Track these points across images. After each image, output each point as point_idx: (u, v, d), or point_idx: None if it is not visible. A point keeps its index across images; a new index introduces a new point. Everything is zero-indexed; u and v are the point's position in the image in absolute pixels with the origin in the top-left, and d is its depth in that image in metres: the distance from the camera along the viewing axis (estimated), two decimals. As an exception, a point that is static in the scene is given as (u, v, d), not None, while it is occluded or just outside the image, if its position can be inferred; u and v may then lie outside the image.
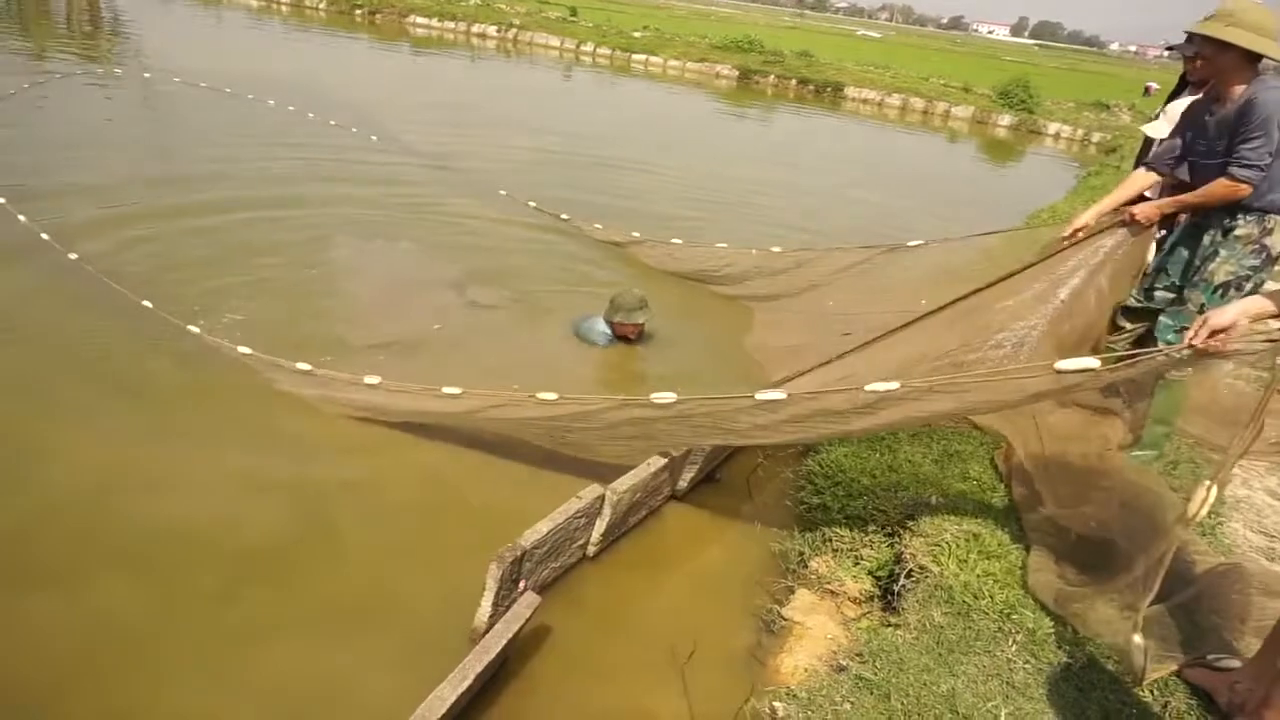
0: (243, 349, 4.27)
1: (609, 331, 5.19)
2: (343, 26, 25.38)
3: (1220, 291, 3.27)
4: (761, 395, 2.91)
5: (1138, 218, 3.54)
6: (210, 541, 3.14)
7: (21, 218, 5.48)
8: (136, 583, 2.91)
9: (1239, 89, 3.14)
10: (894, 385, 2.66)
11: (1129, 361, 2.47)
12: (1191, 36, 3.60)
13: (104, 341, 4.43)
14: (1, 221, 5.51)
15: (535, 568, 2.91)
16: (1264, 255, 3.23)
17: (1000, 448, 3.82)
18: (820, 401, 2.91)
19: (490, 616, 2.72)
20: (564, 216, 7.52)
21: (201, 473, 3.55)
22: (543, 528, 2.89)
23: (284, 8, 28.38)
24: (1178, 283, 3.48)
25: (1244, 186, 3.13)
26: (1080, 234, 3.70)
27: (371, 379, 3.94)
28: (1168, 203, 3.51)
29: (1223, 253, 3.28)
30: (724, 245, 6.44)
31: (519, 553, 2.74)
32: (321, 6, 28.42)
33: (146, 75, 11.63)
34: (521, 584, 2.83)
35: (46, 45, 13.63)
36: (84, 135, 8.13)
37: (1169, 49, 4.49)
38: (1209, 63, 3.23)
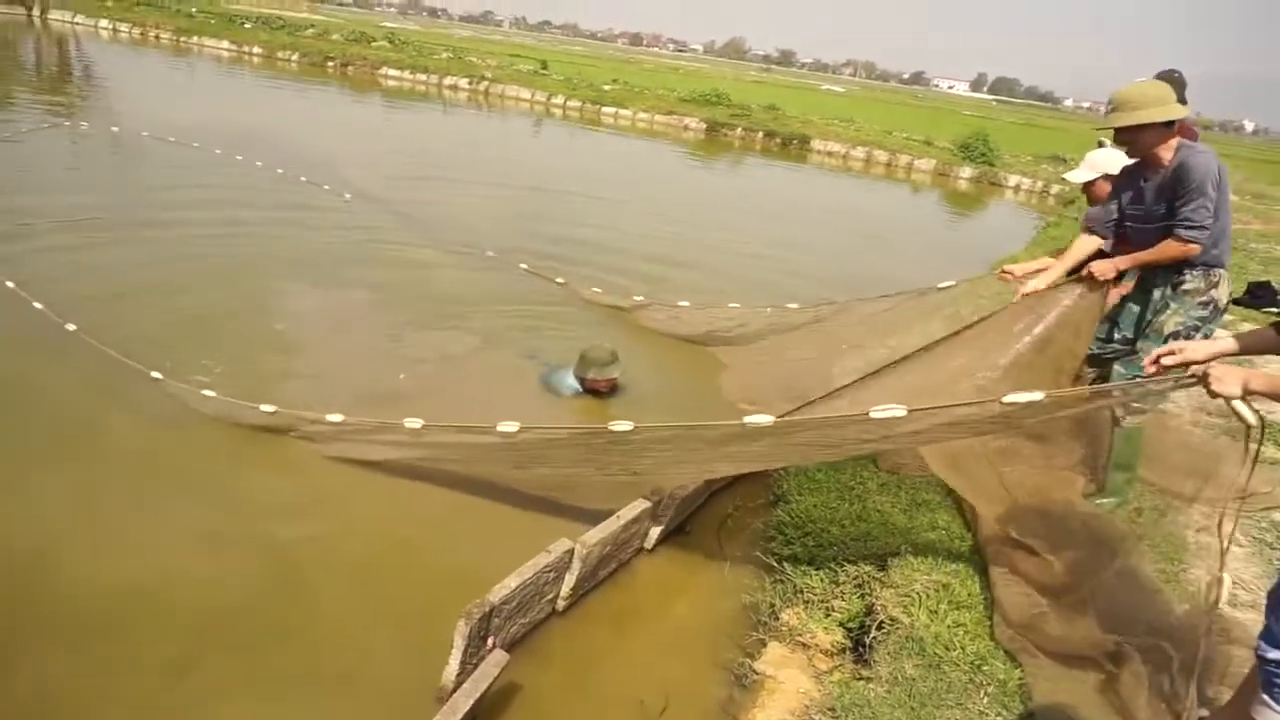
0: (207, 392, 4.24)
1: (577, 386, 5.17)
2: (315, 77, 25.57)
3: (1171, 340, 3.38)
4: (749, 420, 2.93)
5: (1095, 274, 3.66)
6: (161, 605, 3.03)
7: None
8: (78, 652, 2.79)
9: (1167, 155, 3.33)
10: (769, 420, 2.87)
11: (1073, 393, 2.56)
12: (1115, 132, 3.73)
13: (48, 388, 4.36)
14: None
15: (504, 624, 2.86)
16: (1211, 306, 3.40)
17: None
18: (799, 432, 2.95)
19: (458, 675, 2.67)
20: (559, 280, 7.30)
21: (151, 531, 3.44)
22: (511, 583, 2.85)
23: (255, 58, 28.59)
24: (1130, 335, 3.62)
25: (1193, 246, 3.31)
26: (1033, 294, 3.82)
27: (334, 416, 3.95)
28: (1123, 261, 3.64)
29: (1173, 305, 3.44)
30: (736, 305, 6.26)
31: (487, 609, 2.70)
32: (294, 58, 28.66)
33: (115, 129, 11.51)
34: (490, 641, 2.78)
35: (14, 93, 13.58)
36: (45, 198, 8.00)
37: (1100, 145, 4.59)
38: (1133, 146, 3.42)
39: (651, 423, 3.20)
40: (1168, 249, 3.38)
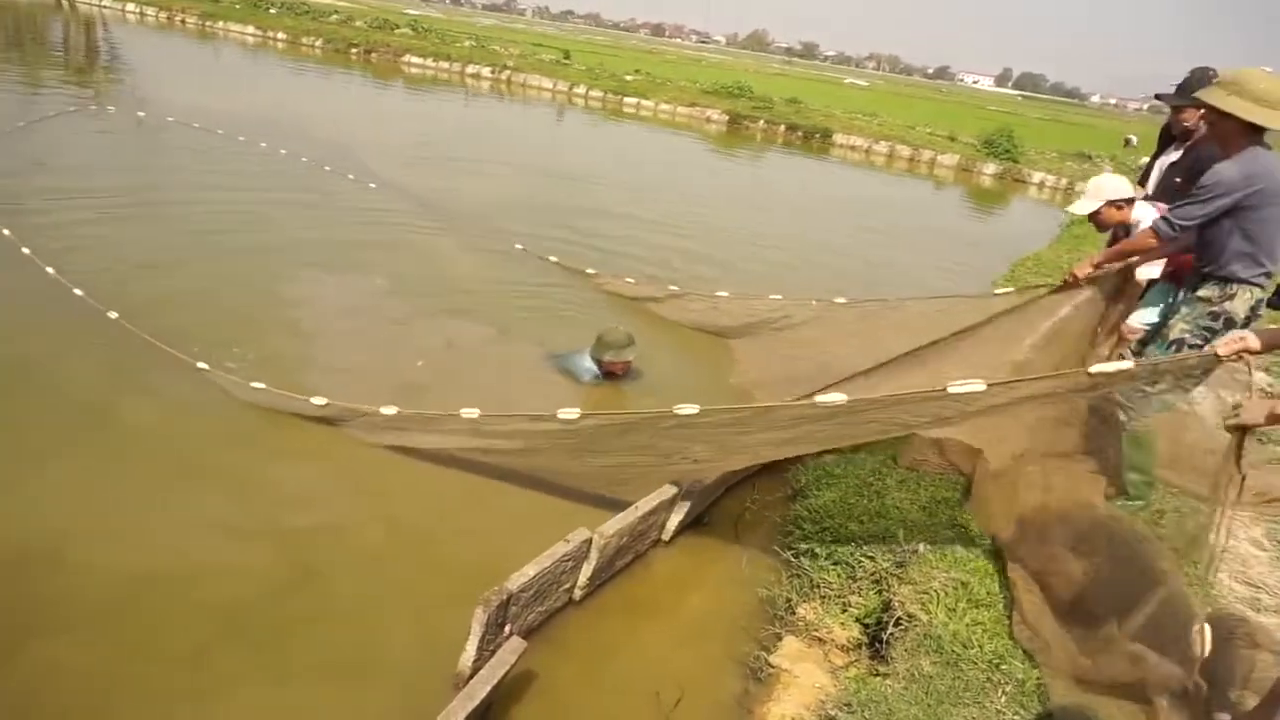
0: (256, 384, 4.27)
1: (594, 368, 5.21)
2: (338, 64, 25.67)
3: (1174, 347, 3.38)
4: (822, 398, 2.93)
5: (1077, 275, 3.69)
6: (178, 593, 3.04)
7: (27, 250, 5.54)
8: (94, 643, 2.79)
9: (1233, 155, 3.21)
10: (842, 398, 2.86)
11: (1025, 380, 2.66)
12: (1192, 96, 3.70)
13: (76, 377, 4.40)
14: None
15: (521, 612, 2.88)
16: (1222, 319, 3.31)
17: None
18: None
19: (475, 662, 2.68)
20: (590, 271, 7.20)
21: (168, 519, 3.45)
22: (529, 571, 2.86)
23: (280, 44, 28.73)
24: (1145, 339, 3.61)
25: (1154, 239, 3.33)
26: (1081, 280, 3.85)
27: (388, 409, 3.93)
28: (1100, 257, 3.64)
29: (1183, 310, 3.42)
30: (777, 297, 5.99)
31: (505, 596, 2.71)
32: (318, 44, 28.79)
33: (140, 115, 11.56)
34: (507, 628, 2.79)
35: (43, 77, 13.70)
36: (72, 178, 8.04)
37: (1157, 98, 4.63)
38: (1213, 126, 3.30)
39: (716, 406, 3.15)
40: (1136, 240, 3.46)
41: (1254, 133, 3.14)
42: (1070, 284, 3.90)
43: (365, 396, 4.18)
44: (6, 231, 5.93)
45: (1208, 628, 2.12)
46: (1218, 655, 2.58)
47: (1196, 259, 3.37)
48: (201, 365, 4.47)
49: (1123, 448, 3.64)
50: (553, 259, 7.50)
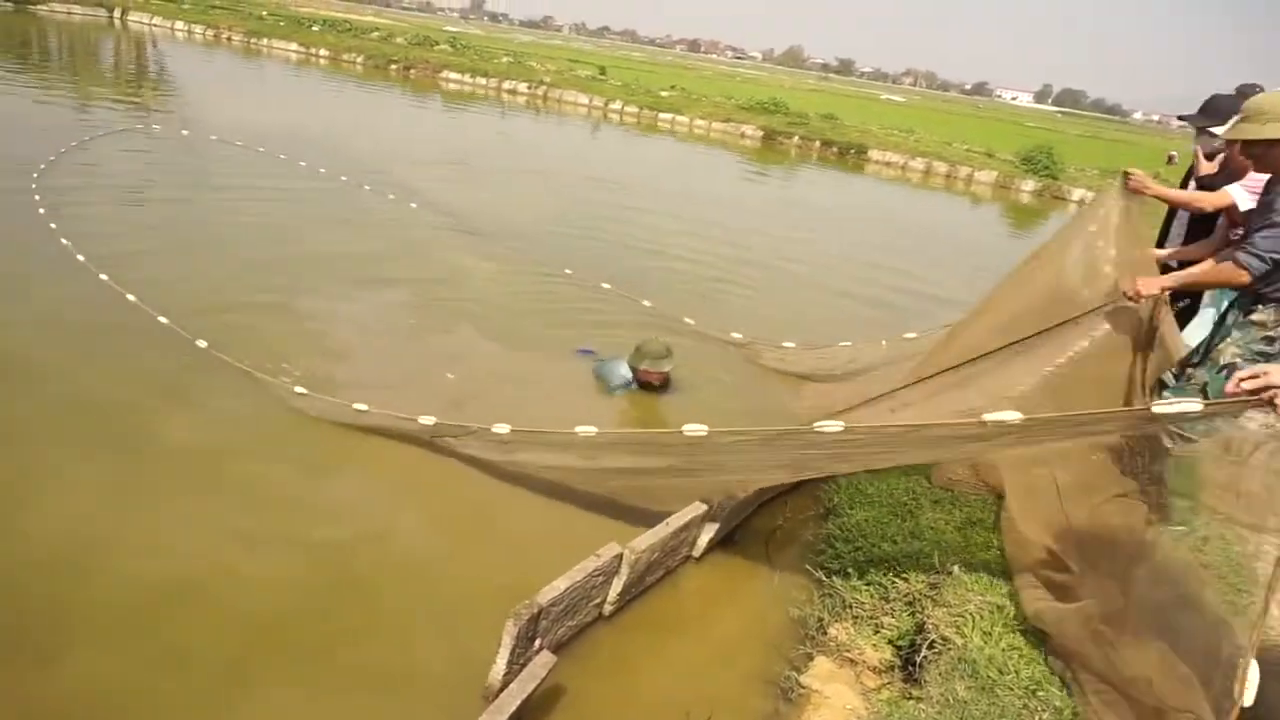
0: (359, 406, 4.33)
1: (629, 376, 5.27)
2: (378, 80, 26.15)
3: (1225, 372, 3.27)
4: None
5: (1140, 289, 3.59)
6: (209, 604, 3.06)
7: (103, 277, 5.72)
8: (127, 653, 2.80)
9: None
10: (840, 426, 2.80)
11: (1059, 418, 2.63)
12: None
13: (117, 383, 4.50)
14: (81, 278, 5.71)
15: (551, 626, 2.88)
16: (1278, 344, 3.23)
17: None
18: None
19: (505, 675, 2.69)
20: (646, 303, 7.07)
21: (199, 529, 3.47)
22: (560, 585, 2.87)
23: (322, 60, 29.33)
24: (1195, 360, 3.49)
25: (1244, 273, 3.17)
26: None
27: (500, 427, 3.94)
28: (1170, 280, 3.55)
29: (1235, 334, 3.32)
30: (847, 344, 5.83)
31: (536, 610, 2.72)
32: (359, 61, 29.34)
33: (184, 133, 11.80)
34: (537, 642, 2.80)
35: (92, 94, 14.10)
36: (116, 196, 8.24)
37: (1180, 119, 4.57)
38: (1261, 160, 3.23)
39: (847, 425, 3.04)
40: (1222, 271, 3.28)
41: None
42: (1132, 299, 3.77)
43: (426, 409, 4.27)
44: (65, 241, 6.17)
45: (1255, 667, 2.04)
46: (1265, 689, 2.51)
47: (1249, 282, 3.28)
48: (300, 390, 4.50)
49: (1167, 472, 3.56)
50: (605, 285, 7.43)
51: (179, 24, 31.44)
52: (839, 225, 13.91)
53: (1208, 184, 4.31)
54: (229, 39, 30.99)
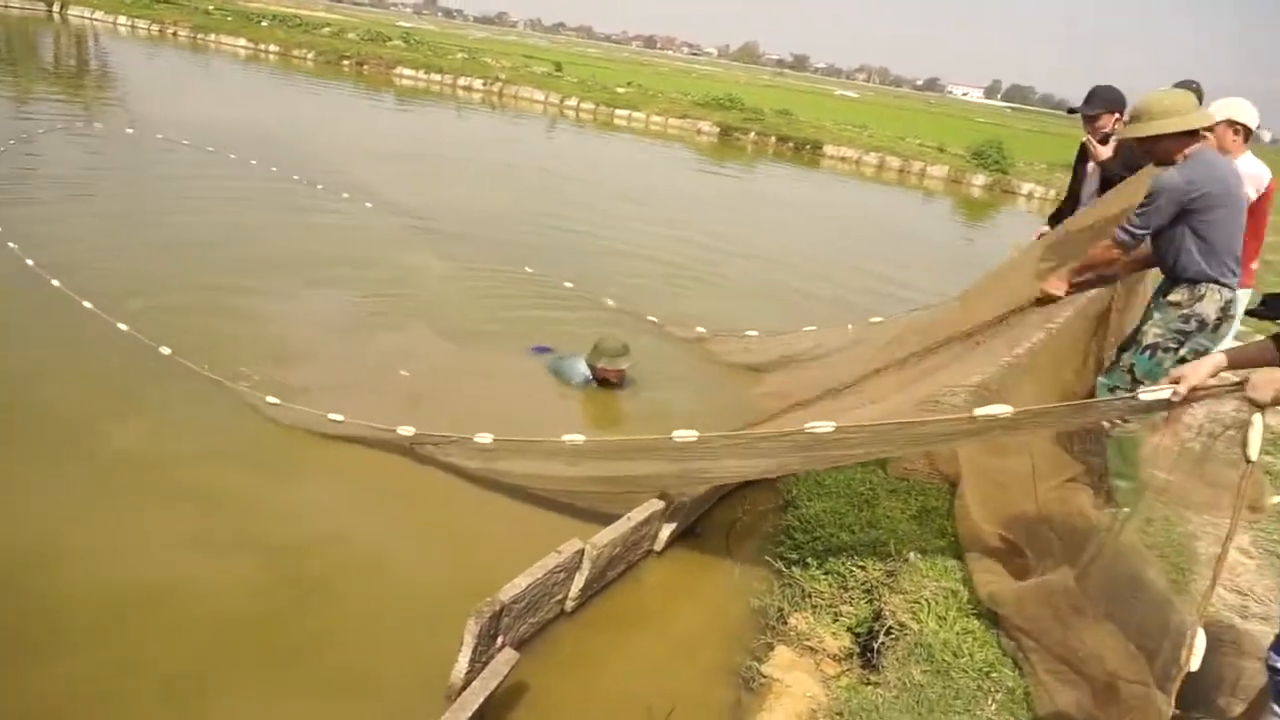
0: (334, 416, 4.24)
1: (588, 374, 5.30)
2: (330, 76, 25.73)
3: (1148, 352, 3.44)
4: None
5: (1049, 290, 3.74)
6: (173, 611, 3.01)
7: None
8: (89, 661, 2.74)
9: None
10: (831, 426, 2.88)
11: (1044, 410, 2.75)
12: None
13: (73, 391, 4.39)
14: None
15: (513, 623, 2.88)
16: (1194, 321, 3.39)
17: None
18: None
19: (467, 673, 2.68)
20: (609, 302, 7.03)
21: (154, 536, 3.40)
22: (521, 582, 2.86)
23: (272, 56, 28.79)
24: (1125, 345, 3.64)
25: (1116, 249, 3.41)
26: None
27: (483, 437, 3.90)
28: (1068, 270, 3.70)
29: (1156, 315, 3.48)
30: (811, 329, 5.86)
31: (498, 607, 2.71)
32: (310, 56, 28.86)
33: (129, 131, 11.45)
34: (499, 640, 2.80)
35: (31, 91, 13.68)
36: (59, 195, 7.98)
37: (1070, 111, 4.84)
38: (1152, 155, 3.45)
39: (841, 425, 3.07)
40: (1097, 251, 3.52)
41: (1188, 139, 3.28)
42: (1046, 300, 3.92)
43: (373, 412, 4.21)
44: (12, 245, 6.00)
45: (1201, 635, 2.11)
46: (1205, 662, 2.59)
47: (1162, 265, 3.45)
48: (272, 400, 4.41)
49: (1108, 454, 3.67)
50: (567, 284, 7.40)
51: (122, 19, 30.59)
52: (798, 219, 14.04)
53: (1111, 171, 4.49)
54: (174, 34, 30.24)
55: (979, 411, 2.64)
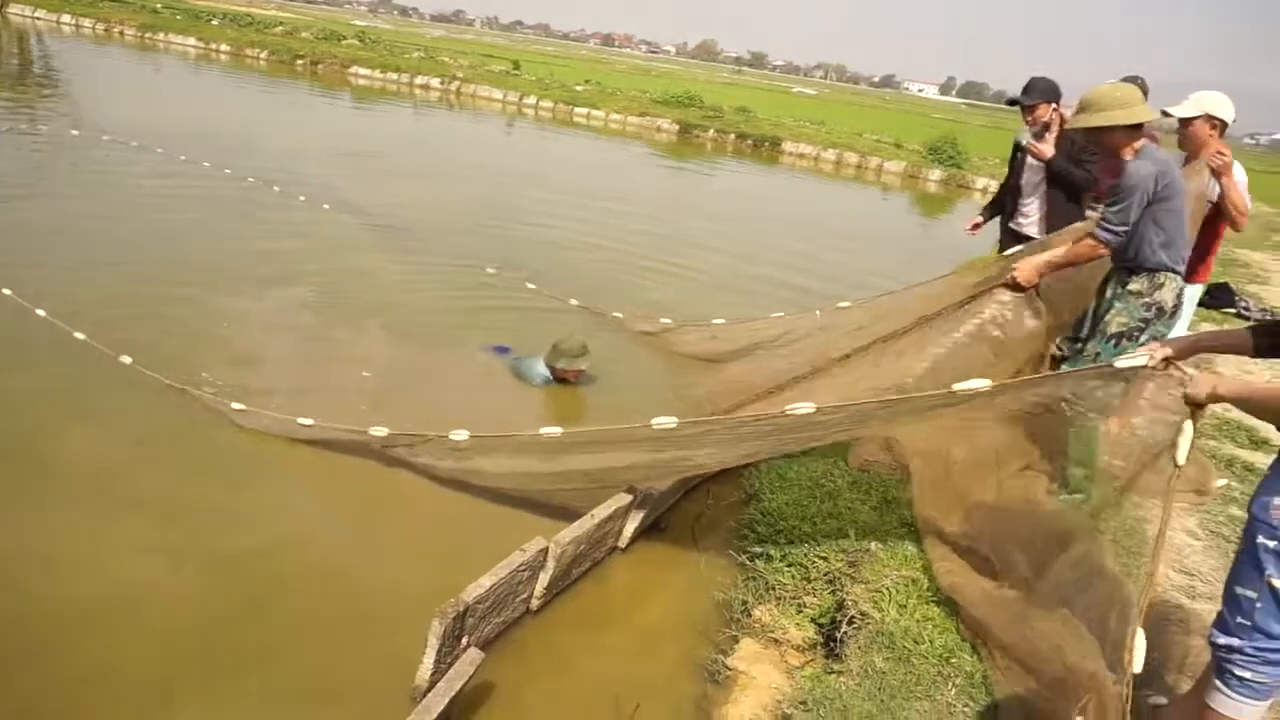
0: (304, 420, 4.17)
1: (548, 374, 5.35)
2: (284, 76, 25.33)
3: (1114, 341, 3.51)
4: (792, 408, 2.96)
5: (1019, 279, 3.81)
6: (132, 622, 2.96)
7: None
8: (46, 674, 2.68)
9: (1129, 156, 3.41)
10: (812, 408, 2.88)
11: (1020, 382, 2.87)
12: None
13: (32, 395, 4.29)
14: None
15: (478, 623, 2.87)
16: (1154, 308, 3.49)
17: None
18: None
19: (432, 675, 2.67)
20: (573, 301, 6.98)
21: (118, 548, 3.33)
22: (485, 582, 2.86)
23: (223, 56, 28.25)
24: (1083, 335, 3.71)
25: (1102, 248, 3.46)
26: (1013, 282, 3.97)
27: (459, 434, 3.84)
28: (1044, 264, 3.78)
29: (1118, 305, 3.56)
30: (779, 315, 5.78)
31: (461, 608, 2.71)
32: (263, 56, 28.37)
33: (75, 133, 11.08)
34: (464, 640, 2.79)
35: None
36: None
37: (1009, 102, 4.98)
38: (1099, 146, 3.56)
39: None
40: (1081, 250, 3.55)
41: (1135, 133, 3.36)
42: (1012, 286, 4.00)
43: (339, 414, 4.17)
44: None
45: (1141, 635, 2.18)
46: (1156, 642, 2.67)
47: (1119, 255, 3.52)
48: (238, 406, 4.32)
49: (1068, 442, 3.75)
50: (530, 285, 7.34)
51: (65, 17, 29.82)
52: (760, 213, 14.13)
53: (1057, 166, 4.62)
54: (121, 34, 29.54)
55: (958, 386, 2.68)
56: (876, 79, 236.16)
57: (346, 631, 3.10)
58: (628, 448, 3.66)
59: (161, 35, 29.54)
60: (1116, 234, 3.40)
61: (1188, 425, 2.24)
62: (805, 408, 2.92)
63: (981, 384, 2.68)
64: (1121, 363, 2.53)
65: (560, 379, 5.34)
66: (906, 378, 4.08)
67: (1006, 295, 4.07)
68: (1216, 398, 2.19)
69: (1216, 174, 4.05)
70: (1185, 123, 4.20)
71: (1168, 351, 2.38)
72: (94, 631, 2.90)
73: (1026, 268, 3.87)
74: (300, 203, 9.22)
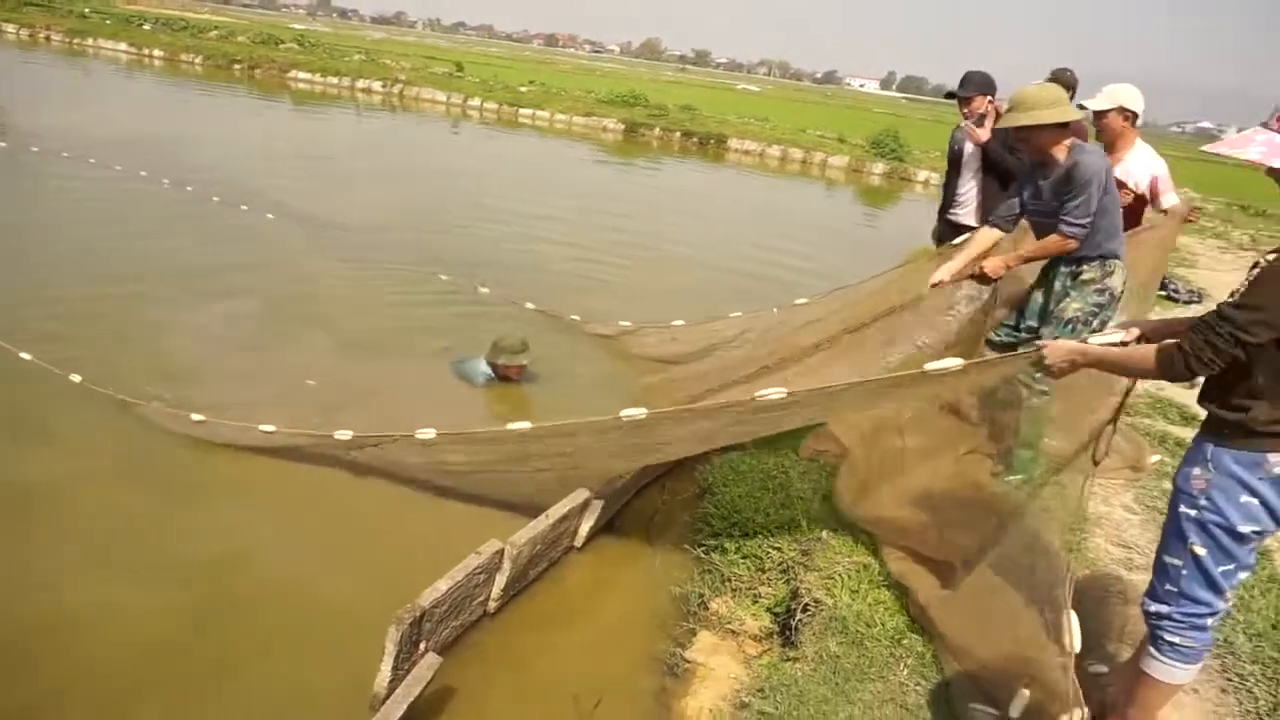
0: (196, 416, 4.13)
1: (490, 372, 5.37)
2: (221, 81, 24.76)
3: (1070, 326, 3.61)
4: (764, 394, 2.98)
5: (987, 272, 3.90)
6: (88, 640, 2.91)
7: None
8: (2, 696, 2.64)
9: (1061, 154, 3.53)
10: (783, 392, 2.91)
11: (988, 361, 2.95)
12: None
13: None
14: None
15: (435, 628, 2.87)
16: (1107, 294, 3.63)
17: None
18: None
19: (390, 681, 2.66)
20: (529, 305, 6.93)
21: (74, 565, 3.28)
22: (442, 586, 2.85)
23: (157, 61, 27.53)
24: (1034, 324, 3.82)
25: (1071, 241, 3.56)
26: (940, 285, 4.04)
27: (425, 432, 3.81)
28: (1012, 257, 3.89)
29: (1073, 293, 3.67)
30: (738, 314, 5.79)
31: (418, 613, 2.70)
32: (198, 61, 27.72)
33: (0, 144, 10.72)
34: (422, 645, 2.78)
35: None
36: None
37: (947, 95, 5.10)
38: (1028, 144, 3.63)
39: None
40: (1049, 244, 3.64)
41: (1063, 131, 3.48)
42: (980, 278, 4.07)
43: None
44: None
45: (1074, 618, 2.28)
46: (1092, 610, 2.77)
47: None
48: (75, 377, 4.32)
49: (1019, 423, 3.86)
50: (483, 289, 7.31)
51: (-14, 24, 28.81)
52: (711, 210, 14.24)
53: (993, 151, 4.74)
54: (47, 39, 28.63)
55: (929, 366, 2.72)
56: (819, 75, 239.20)
57: (305, 643, 3.07)
58: (597, 439, 3.67)
59: (91, 40, 28.70)
60: (1083, 226, 3.50)
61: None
62: (776, 393, 2.96)
63: (954, 363, 2.73)
64: (1098, 339, 2.62)
65: (503, 377, 5.36)
66: (875, 365, 4.18)
67: (972, 287, 4.20)
68: (1075, 366, 2.31)
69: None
70: (1100, 115, 4.36)
71: (1138, 331, 2.47)
72: (49, 653, 2.84)
73: (995, 261, 3.96)
74: (242, 211, 9.01)
